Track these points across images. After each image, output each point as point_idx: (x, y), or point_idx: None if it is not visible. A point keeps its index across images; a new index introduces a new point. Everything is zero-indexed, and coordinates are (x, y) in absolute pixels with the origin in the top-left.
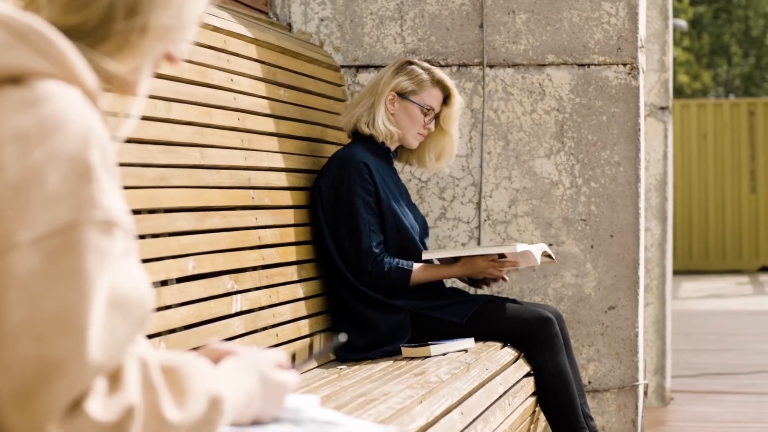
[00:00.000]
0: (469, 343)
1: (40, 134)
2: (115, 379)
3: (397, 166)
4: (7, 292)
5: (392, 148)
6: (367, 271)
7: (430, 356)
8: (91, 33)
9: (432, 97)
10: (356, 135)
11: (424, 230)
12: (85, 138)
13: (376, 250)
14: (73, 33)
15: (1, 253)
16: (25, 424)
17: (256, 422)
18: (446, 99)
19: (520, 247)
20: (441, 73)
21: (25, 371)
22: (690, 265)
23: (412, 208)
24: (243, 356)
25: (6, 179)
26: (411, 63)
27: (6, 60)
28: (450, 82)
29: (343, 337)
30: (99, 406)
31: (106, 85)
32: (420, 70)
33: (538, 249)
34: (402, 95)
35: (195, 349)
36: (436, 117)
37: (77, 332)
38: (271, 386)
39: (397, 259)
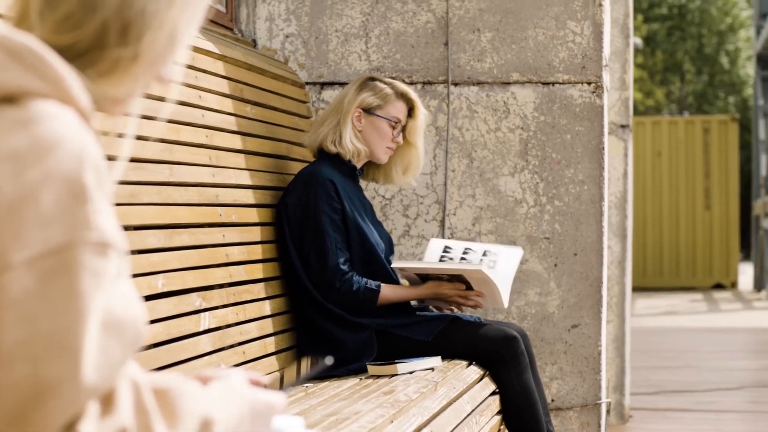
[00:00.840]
0: (435, 361)
1: (34, 154)
2: (107, 401)
3: (362, 183)
4: (2, 313)
5: (358, 165)
6: (335, 288)
7: (397, 374)
8: (84, 53)
9: (397, 110)
10: (322, 153)
11: (390, 248)
12: (80, 158)
13: (344, 267)
14: (65, 53)
15: None
16: None
17: None
18: (410, 111)
19: (490, 272)
20: (404, 87)
21: (20, 393)
22: (644, 282)
23: (378, 225)
24: (231, 378)
25: (0, 200)
26: (373, 79)
27: (1, 80)
28: (413, 95)
29: (329, 360)
30: (92, 428)
31: (97, 105)
32: (383, 85)
33: (510, 268)
34: (368, 111)
35: (169, 366)
36: (403, 130)
37: (72, 354)
38: (260, 408)
39: (365, 279)
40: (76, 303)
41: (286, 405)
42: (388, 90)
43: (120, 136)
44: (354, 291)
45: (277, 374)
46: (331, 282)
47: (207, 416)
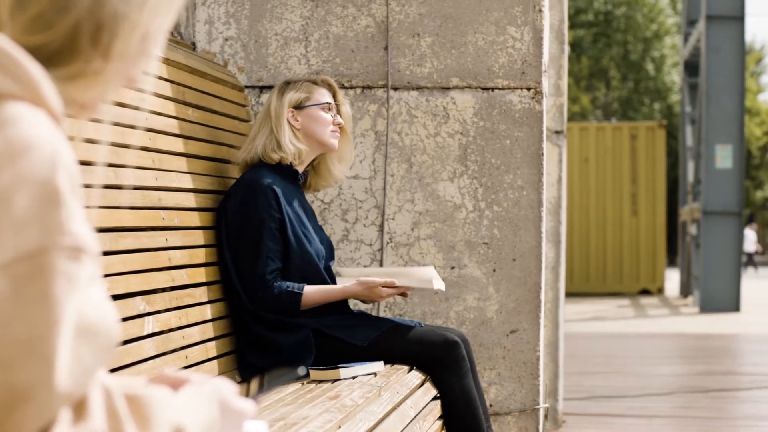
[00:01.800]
0: (378, 366)
1: (6, 157)
2: (80, 407)
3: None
4: None
5: (300, 170)
6: (258, 296)
7: (339, 379)
8: (55, 55)
9: (323, 95)
10: (262, 163)
11: (330, 253)
12: (53, 161)
13: (269, 277)
14: (36, 53)
15: None
16: None
17: None
18: (335, 97)
19: (435, 282)
20: (320, 75)
21: None
22: (571, 288)
23: (319, 230)
24: (201, 384)
25: None
26: (288, 81)
27: None
28: (331, 80)
29: (301, 371)
30: None
31: (66, 108)
32: (302, 80)
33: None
34: (299, 107)
35: (114, 370)
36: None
37: (45, 360)
38: (230, 414)
39: (287, 283)
40: (50, 308)
41: (256, 412)
42: (307, 82)
43: (88, 141)
44: (275, 296)
45: (250, 380)
46: (255, 290)
47: (179, 422)
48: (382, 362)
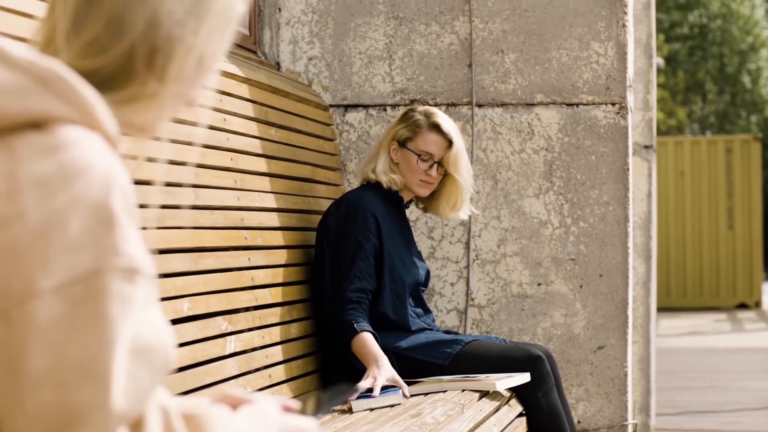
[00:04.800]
0: (397, 398)
1: (62, 180)
2: (137, 427)
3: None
4: (30, 340)
5: (405, 198)
6: (333, 309)
7: (352, 412)
8: (110, 79)
9: (428, 142)
10: (369, 184)
11: (426, 280)
12: (107, 184)
13: (351, 295)
14: (91, 78)
15: (24, 301)
16: None
17: None
18: (450, 144)
19: (499, 384)
20: (439, 117)
21: (48, 420)
22: (667, 302)
23: (418, 256)
24: (262, 403)
25: (28, 226)
26: (413, 109)
27: (28, 105)
28: (447, 126)
29: (362, 386)
30: None
31: (124, 129)
32: (418, 116)
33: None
34: (401, 143)
35: (195, 390)
36: (441, 163)
37: (101, 381)
38: None
39: (362, 318)
40: (105, 329)
41: (317, 430)
42: (421, 121)
43: (150, 160)
44: (342, 320)
45: (306, 399)
46: (333, 304)
47: None
48: (401, 393)
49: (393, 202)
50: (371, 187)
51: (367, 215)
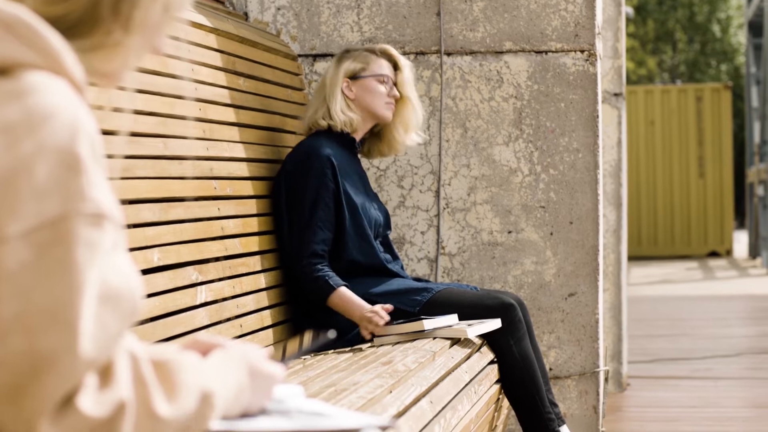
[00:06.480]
0: (453, 319)
1: (27, 126)
2: (105, 374)
3: (368, 162)
4: None
5: (357, 138)
6: (300, 264)
7: (423, 330)
8: (76, 25)
9: (381, 66)
10: (319, 131)
11: (387, 222)
12: (74, 130)
13: (317, 248)
14: (57, 24)
15: None
16: (16, 420)
17: (245, 414)
18: (395, 66)
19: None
20: (381, 45)
21: (16, 366)
22: (639, 251)
23: (375, 199)
24: (231, 349)
25: None
26: (348, 50)
27: None
28: (392, 50)
29: (332, 334)
30: (90, 401)
31: (89, 78)
32: (361, 49)
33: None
34: (354, 77)
35: (166, 340)
36: (394, 85)
37: (68, 327)
38: (260, 378)
39: (331, 273)
40: (72, 275)
41: (285, 376)
42: (366, 52)
43: (115, 109)
44: (313, 277)
45: (277, 347)
46: (299, 257)
47: (207, 388)
48: (455, 315)
49: (345, 144)
50: (321, 134)
51: (324, 161)
